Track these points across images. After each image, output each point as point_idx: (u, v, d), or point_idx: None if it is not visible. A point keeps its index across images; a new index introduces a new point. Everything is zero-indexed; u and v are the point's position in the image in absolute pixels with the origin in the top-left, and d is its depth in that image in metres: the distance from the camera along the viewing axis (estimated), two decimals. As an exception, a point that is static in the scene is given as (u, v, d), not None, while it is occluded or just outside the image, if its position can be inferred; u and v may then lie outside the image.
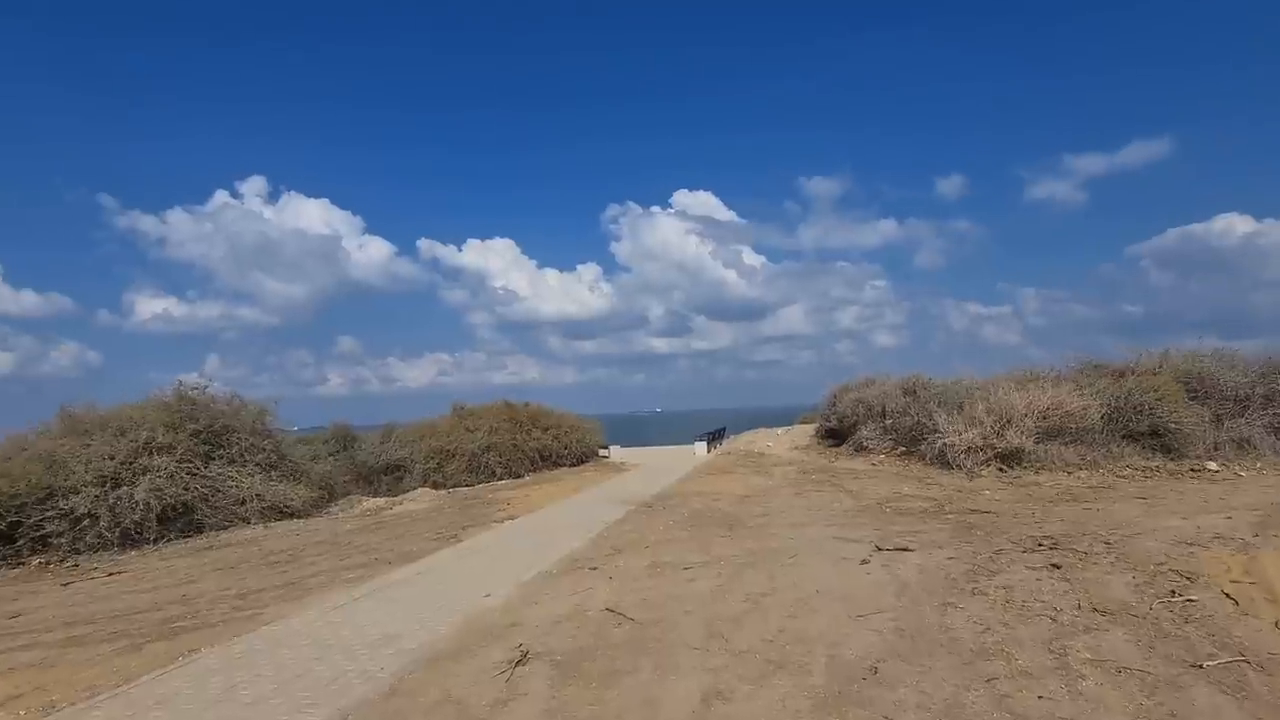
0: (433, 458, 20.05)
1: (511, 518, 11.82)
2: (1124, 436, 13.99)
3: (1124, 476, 12.44)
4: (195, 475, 13.07)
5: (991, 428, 14.85)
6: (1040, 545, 7.01)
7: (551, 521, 11.04)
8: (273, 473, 14.38)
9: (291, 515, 13.94)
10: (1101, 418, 14.10)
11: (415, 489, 17.33)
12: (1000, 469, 14.02)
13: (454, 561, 8.33)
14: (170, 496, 12.22)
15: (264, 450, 14.46)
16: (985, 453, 14.46)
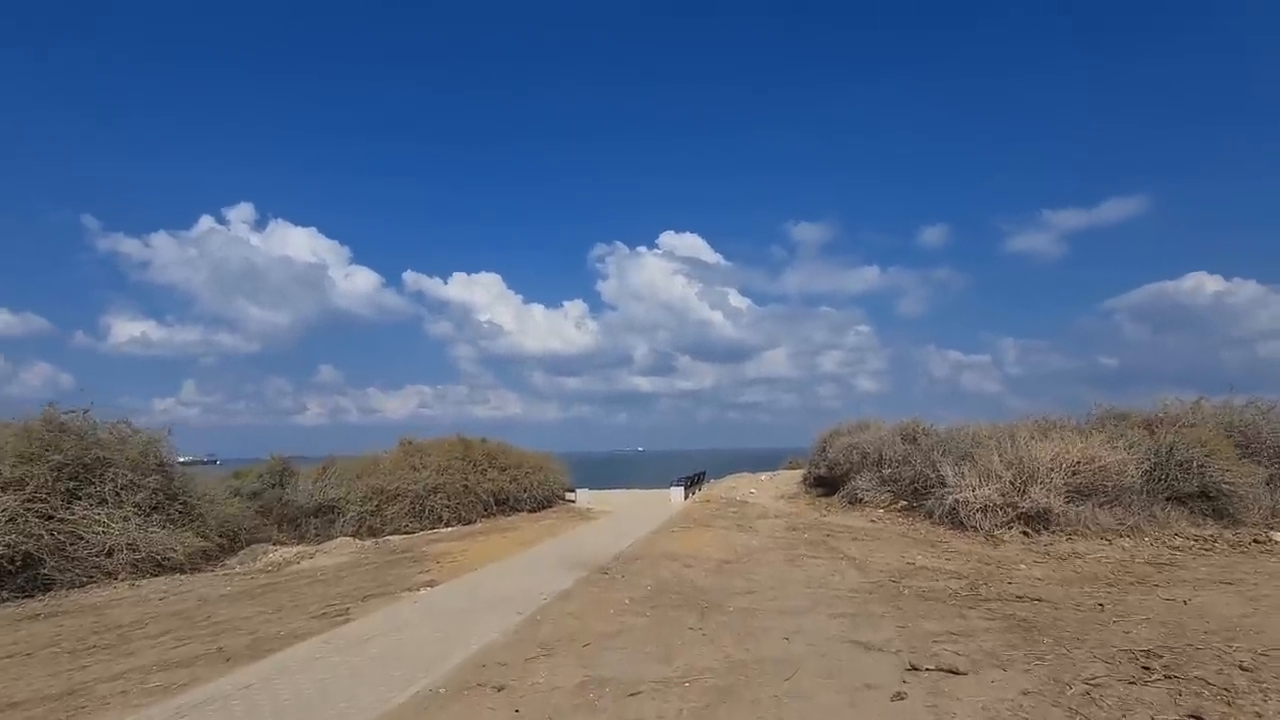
0: (371, 499, 17.55)
1: (432, 583, 9.43)
2: (1168, 498, 11.97)
3: (1178, 549, 10.36)
4: (49, 519, 10.56)
5: (1011, 483, 12.78)
6: (1148, 669, 4.84)
7: (478, 591, 8.68)
8: (155, 516, 11.86)
9: (174, 569, 11.41)
10: (1141, 475, 12.09)
11: (340, 537, 14.82)
12: (1025, 533, 11.90)
13: (314, 660, 5.96)
14: (6, 545, 9.71)
15: (146, 489, 11.95)
16: (1006, 513, 12.35)
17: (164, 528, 11.76)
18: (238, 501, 15.02)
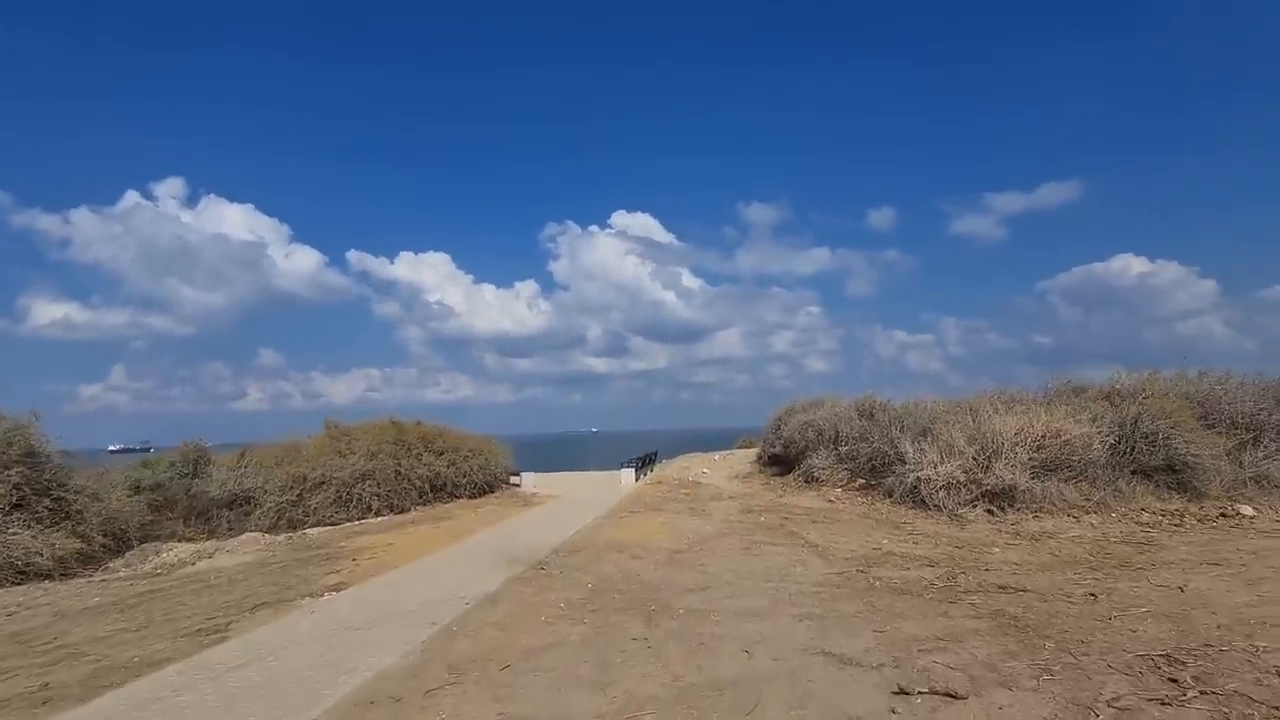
0: (292, 488, 16.00)
1: (339, 587, 8.17)
2: (1133, 472, 11.54)
3: (1147, 525, 9.88)
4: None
5: (975, 460, 12.19)
6: (1176, 682, 4.03)
7: (391, 597, 7.48)
8: (17, 515, 10.19)
9: (42, 576, 9.81)
10: (1106, 449, 11.63)
11: (250, 532, 13.31)
12: (990, 511, 11.32)
13: (155, 700, 4.69)
14: None
15: (5, 483, 10.24)
16: (970, 490, 11.76)
17: (29, 528, 10.12)
18: (127, 495, 13.29)
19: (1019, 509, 11.15)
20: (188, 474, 16.13)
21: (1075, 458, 11.58)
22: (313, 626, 6.38)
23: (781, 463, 20.42)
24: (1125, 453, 11.63)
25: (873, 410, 17.57)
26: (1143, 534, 9.15)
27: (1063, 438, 11.72)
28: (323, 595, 7.82)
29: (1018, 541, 8.97)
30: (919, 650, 4.81)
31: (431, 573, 8.74)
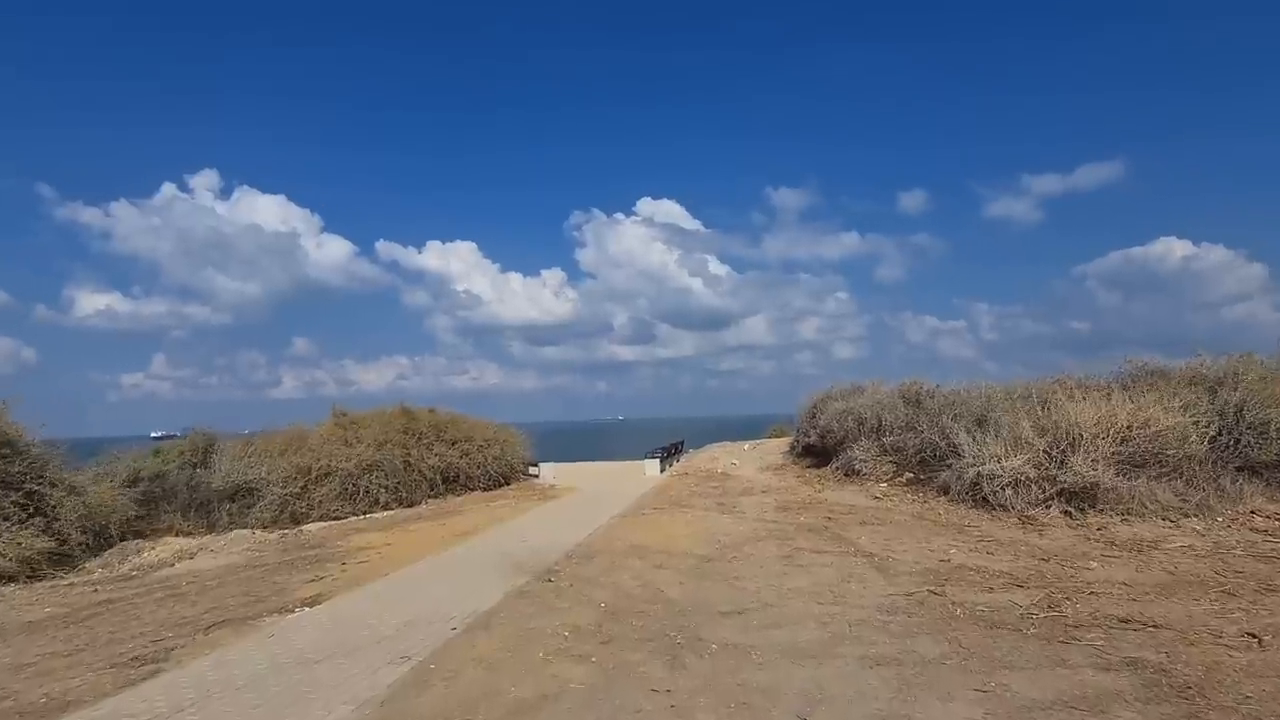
0: (296, 479, 15.05)
1: (315, 600, 7.06)
2: (1238, 468, 9.93)
3: (1265, 531, 8.31)
4: None
5: (1046, 453, 10.67)
6: None
7: (370, 615, 6.33)
8: (-19, 510, 9.29)
9: (4, 578, 8.92)
10: (1205, 442, 10.03)
11: (242, 528, 12.38)
12: (1067, 513, 9.83)
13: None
14: None
15: (-32, 475, 9.36)
16: (1042, 488, 10.26)
17: (-10, 525, 9.22)
18: (121, 487, 12.40)
19: (1102, 511, 9.64)
20: (195, 463, 15.32)
21: (1168, 452, 10.00)
22: (263, 658, 5.23)
23: (817, 454, 19.00)
24: (1228, 446, 10.01)
25: (919, 396, 16.02)
26: (1268, 544, 7.60)
27: (1153, 428, 10.15)
28: (293, 611, 6.71)
29: (1115, 553, 7.50)
30: (1048, 726, 3.47)
31: (422, 583, 7.58)
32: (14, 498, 9.78)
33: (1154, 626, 4.95)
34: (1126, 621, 5.08)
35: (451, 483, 16.90)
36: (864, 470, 15.00)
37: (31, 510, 9.91)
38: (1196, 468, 9.92)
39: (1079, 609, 5.42)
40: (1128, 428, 10.27)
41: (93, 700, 4.62)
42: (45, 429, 11.70)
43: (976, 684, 4.05)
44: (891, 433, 15.25)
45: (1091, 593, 5.90)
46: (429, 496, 16.13)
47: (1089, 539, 8.35)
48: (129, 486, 12.91)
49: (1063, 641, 4.74)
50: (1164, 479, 9.87)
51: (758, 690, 4.19)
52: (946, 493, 11.74)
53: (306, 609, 6.77)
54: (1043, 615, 5.32)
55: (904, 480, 13.83)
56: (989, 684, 4.04)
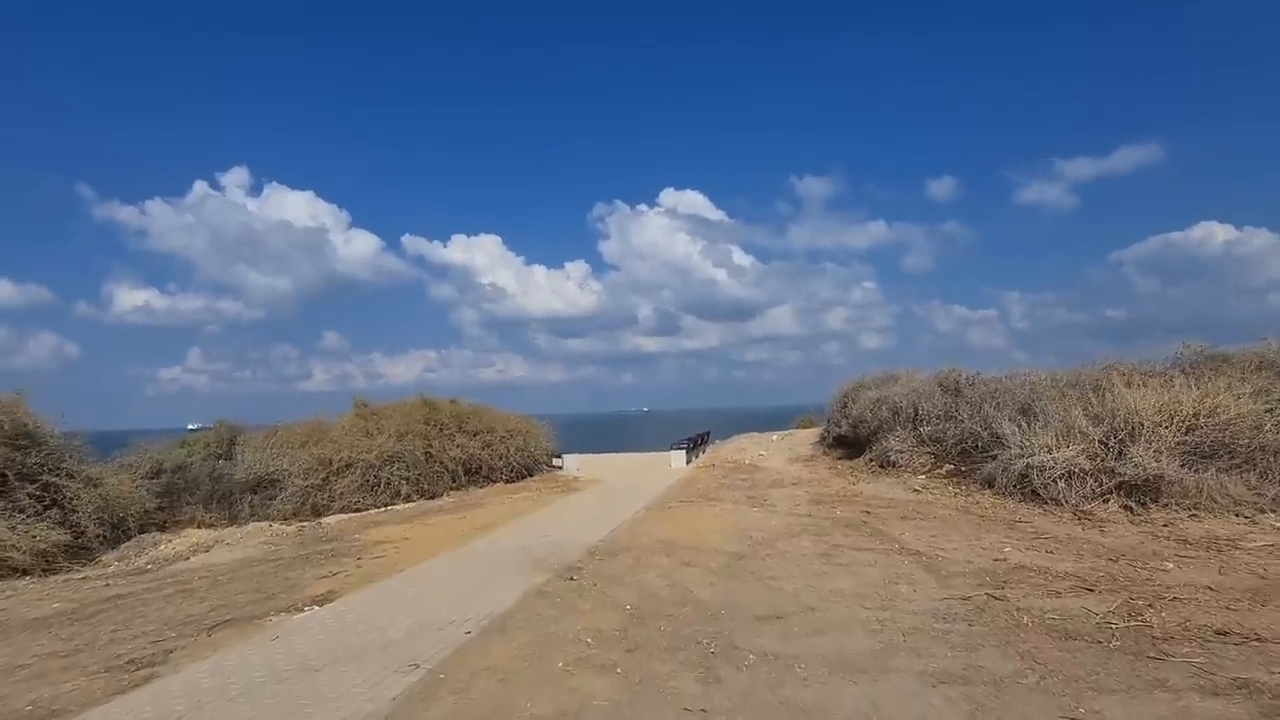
0: (317, 471, 14.85)
1: (328, 598, 6.71)
2: (1318, 460, 9.11)
3: (1356, 529, 7.55)
4: None
5: (1102, 443, 9.95)
6: None
7: (380, 615, 5.95)
8: (-6, 503, 9.14)
9: (18, 572, 8.76)
10: (1280, 431, 9.22)
11: (261, 521, 12.17)
12: (1127, 508, 9.12)
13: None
14: None
15: (-19, 467, 9.20)
16: (1099, 481, 9.56)
17: (7, 518, 9.06)
18: (143, 479, 12.27)
19: (1166, 506, 8.91)
20: (219, 455, 15.25)
21: (1239, 442, 9.23)
22: (262, 664, 4.86)
23: (848, 444, 18.37)
24: (1306, 435, 9.19)
25: (958, 385, 15.29)
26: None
27: (1221, 416, 9.37)
28: (303, 610, 6.36)
29: (1191, 553, 6.82)
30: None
31: (438, 581, 7.19)
32: (30, 489, 9.62)
33: (1258, 640, 4.33)
34: (1224, 634, 4.46)
35: (474, 474, 16.61)
36: (900, 462, 14.35)
37: (48, 502, 9.76)
38: (1271, 458, 9.13)
39: (1165, 618, 4.81)
40: (1194, 415, 9.51)
41: (79, 709, 4.29)
42: (65, 419, 11.60)
43: (1062, 708, 3.49)
44: (929, 422, 14.58)
45: (1175, 599, 5.27)
46: (451, 488, 15.84)
47: (1157, 536, 7.67)
48: (152, 478, 12.82)
49: (1154, 658, 4.14)
50: (1235, 471, 9.11)
51: (803, 711, 3.68)
52: (991, 485, 11.07)
53: (316, 607, 6.42)
54: (1124, 625, 4.72)
55: (943, 472, 13.16)
56: (1078, 709, 3.48)
